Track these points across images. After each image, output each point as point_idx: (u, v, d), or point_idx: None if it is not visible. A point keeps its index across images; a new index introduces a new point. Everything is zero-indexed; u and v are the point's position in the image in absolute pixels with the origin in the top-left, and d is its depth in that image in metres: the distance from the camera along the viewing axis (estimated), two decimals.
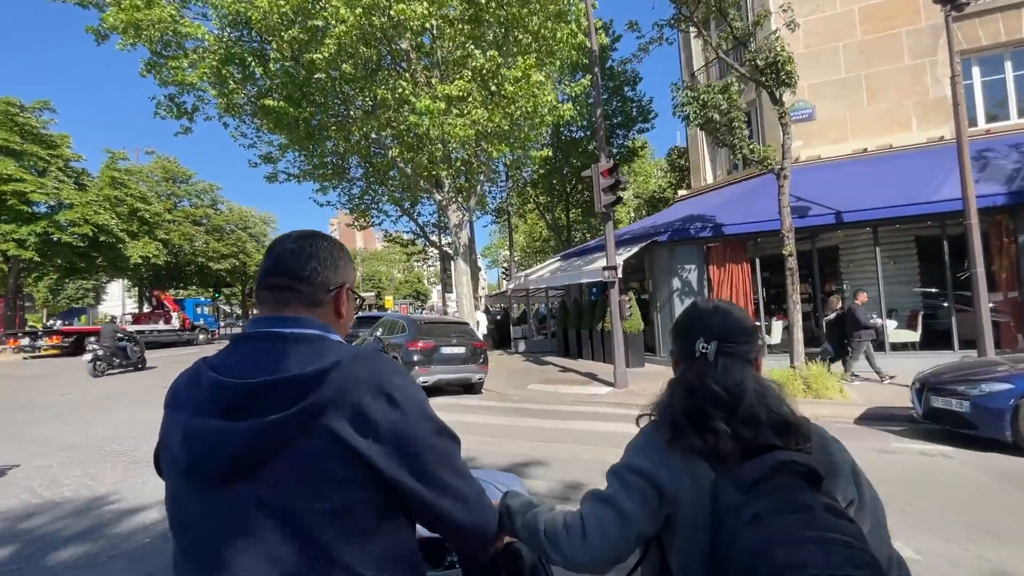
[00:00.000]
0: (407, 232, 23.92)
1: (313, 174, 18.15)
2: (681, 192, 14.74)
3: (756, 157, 8.47)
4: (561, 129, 26.11)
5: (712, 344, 0.96)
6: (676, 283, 10.89)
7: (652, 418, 1.01)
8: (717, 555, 0.82)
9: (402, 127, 11.63)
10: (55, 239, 19.76)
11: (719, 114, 8.33)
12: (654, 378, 9.60)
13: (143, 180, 29.03)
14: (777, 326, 10.60)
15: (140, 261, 23.02)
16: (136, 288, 30.07)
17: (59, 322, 30.70)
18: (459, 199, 14.26)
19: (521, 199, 30.00)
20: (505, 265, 31.16)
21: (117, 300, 45.69)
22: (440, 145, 12.01)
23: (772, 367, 8.35)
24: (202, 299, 29.27)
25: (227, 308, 57.99)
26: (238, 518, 0.74)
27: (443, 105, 10.57)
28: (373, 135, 13.22)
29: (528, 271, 15.08)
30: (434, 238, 23.76)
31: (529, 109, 11.30)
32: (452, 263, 14.67)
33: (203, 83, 12.96)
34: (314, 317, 0.89)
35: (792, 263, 8.10)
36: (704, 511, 0.87)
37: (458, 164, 13.25)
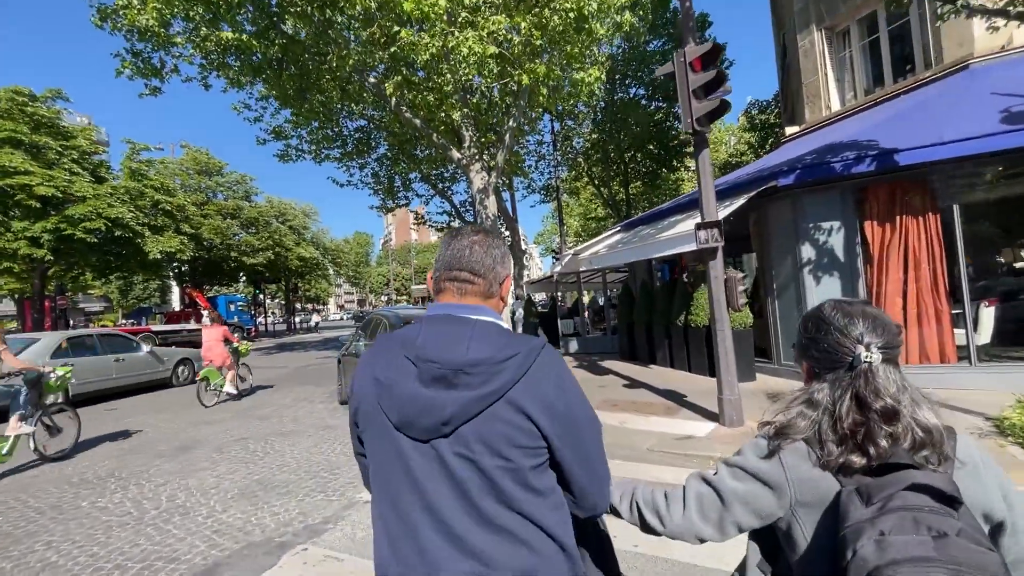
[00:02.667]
0: (440, 213, 21.00)
1: (321, 142, 15.56)
2: (791, 129, 10.60)
3: None
4: (616, 80, 22.21)
5: (876, 352, 0.90)
6: (806, 252, 6.99)
7: (791, 438, 0.95)
8: (838, 568, 0.79)
9: (395, 50, 8.43)
10: (69, 235, 18.40)
11: None
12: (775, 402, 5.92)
13: (177, 175, 27.98)
14: (987, 315, 6.49)
15: (160, 257, 21.50)
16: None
17: (129, 322, 30.43)
18: (483, 157, 10.95)
19: (573, 173, 26.32)
20: (555, 249, 27.63)
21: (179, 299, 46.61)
22: (449, 76, 8.73)
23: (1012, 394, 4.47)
24: (237, 296, 27.95)
25: (295, 306, 57.94)
26: (437, 465, 0.95)
27: (444, 4, 7.26)
28: (372, 78, 10.15)
29: (578, 247, 11.53)
30: (470, 219, 20.76)
31: (571, 11, 7.77)
32: None
33: (173, 31, 10.48)
34: (488, 307, 1.08)
35: None
36: (829, 524, 0.87)
37: (476, 101, 9.94)
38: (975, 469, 0.89)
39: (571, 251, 11.13)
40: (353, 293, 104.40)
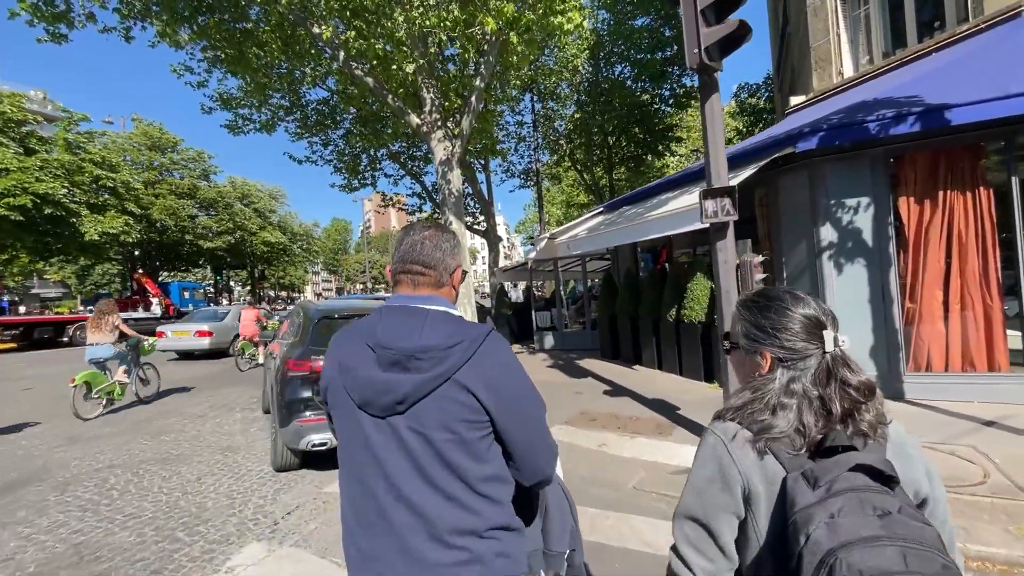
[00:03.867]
0: (410, 195, 19.41)
1: (273, 108, 13.89)
2: (796, 99, 9.35)
3: None
4: (600, 59, 20.88)
5: (843, 336, 0.93)
6: (827, 234, 5.76)
7: (775, 437, 0.89)
8: (789, 553, 0.79)
9: None
10: None
11: None
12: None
13: (126, 150, 25.74)
14: None
15: (100, 238, 19.51)
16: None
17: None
18: (447, 125, 9.50)
19: (555, 157, 24.98)
20: (533, 236, 26.15)
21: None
22: (401, 19, 7.25)
23: None
24: (192, 282, 25.95)
25: (266, 294, 55.03)
26: (394, 438, 1.07)
27: None
28: (316, 28, 8.59)
29: (555, 230, 10.20)
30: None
31: None
32: (442, 222, 9.99)
33: None
34: (440, 295, 1.20)
35: None
36: (778, 509, 0.86)
37: (434, 52, 8.49)
38: (902, 447, 0.92)
39: (546, 235, 9.79)
40: (331, 281, 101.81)
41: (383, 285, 77.58)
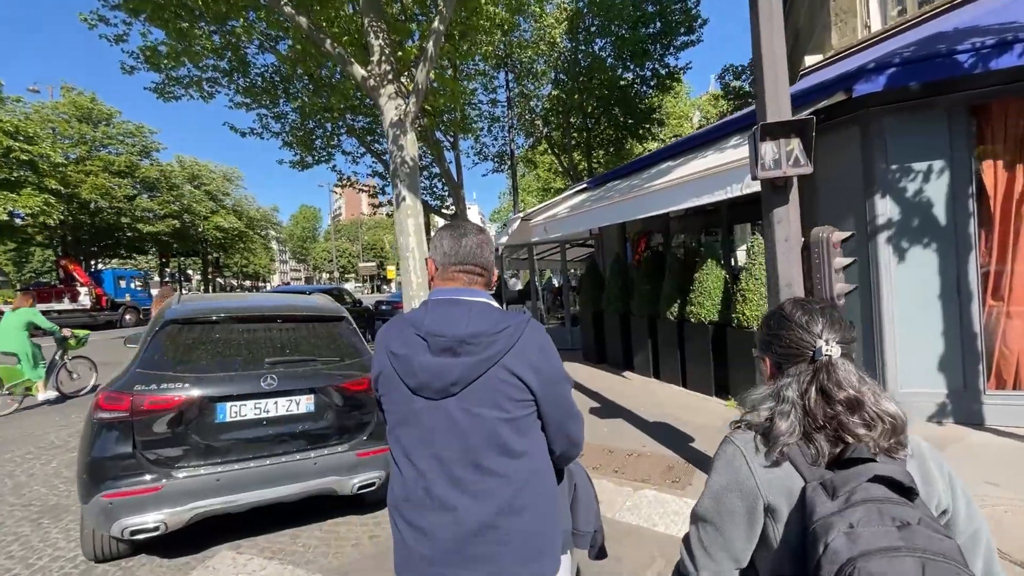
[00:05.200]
0: (371, 175, 17.59)
1: (197, 69, 11.85)
2: (811, 59, 8.00)
3: None
4: (580, 35, 19.36)
5: (835, 346, 0.93)
6: (885, 210, 4.40)
7: (785, 443, 0.89)
8: (808, 560, 0.79)
9: None
10: None
11: None
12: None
13: (52, 122, 22.96)
14: None
15: (9, 219, 17.06)
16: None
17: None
18: (401, 80, 7.84)
19: (531, 140, 23.45)
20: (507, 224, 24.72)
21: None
22: None
23: None
24: (128, 270, 23.45)
25: (228, 283, 51.37)
26: (448, 418, 1.16)
27: None
28: None
29: (530, 210, 8.68)
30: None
31: None
32: (393, 196, 8.35)
33: None
34: (484, 290, 1.31)
35: None
36: (796, 519, 0.86)
37: None
38: (922, 459, 0.91)
39: (519, 215, 8.27)
40: (300, 270, 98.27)
41: (352, 275, 74.66)
